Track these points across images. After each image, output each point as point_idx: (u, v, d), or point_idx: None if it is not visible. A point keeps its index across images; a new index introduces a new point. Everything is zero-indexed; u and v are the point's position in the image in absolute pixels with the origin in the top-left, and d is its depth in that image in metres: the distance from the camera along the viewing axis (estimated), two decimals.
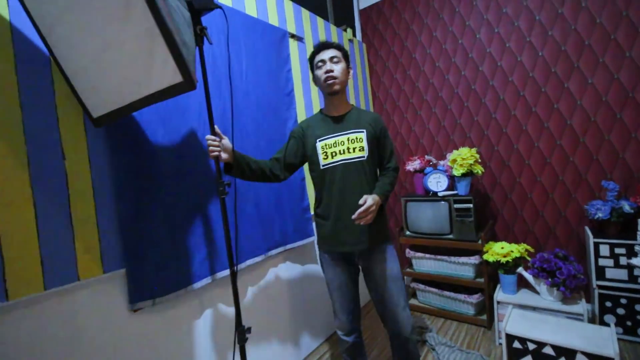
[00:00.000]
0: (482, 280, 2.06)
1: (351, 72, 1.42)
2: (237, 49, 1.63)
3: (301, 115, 2.00)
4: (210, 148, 1.14)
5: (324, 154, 1.36)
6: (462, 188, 2.14)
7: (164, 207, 1.27)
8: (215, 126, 1.16)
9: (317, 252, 1.54)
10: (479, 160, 2.12)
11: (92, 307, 1.12)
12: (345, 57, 1.39)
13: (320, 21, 2.30)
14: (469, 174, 2.10)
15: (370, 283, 1.42)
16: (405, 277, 2.46)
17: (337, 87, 1.34)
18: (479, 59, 2.35)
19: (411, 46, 2.67)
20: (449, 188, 2.23)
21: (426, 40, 2.59)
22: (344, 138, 1.36)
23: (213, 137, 1.15)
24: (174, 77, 0.73)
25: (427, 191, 2.31)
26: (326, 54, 1.34)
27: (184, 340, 1.36)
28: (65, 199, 1.07)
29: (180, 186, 1.33)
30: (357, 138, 1.35)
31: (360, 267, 1.46)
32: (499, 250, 1.88)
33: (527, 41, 2.14)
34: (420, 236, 2.28)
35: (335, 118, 1.41)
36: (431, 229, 2.23)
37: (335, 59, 1.34)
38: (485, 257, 1.94)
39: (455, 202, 2.12)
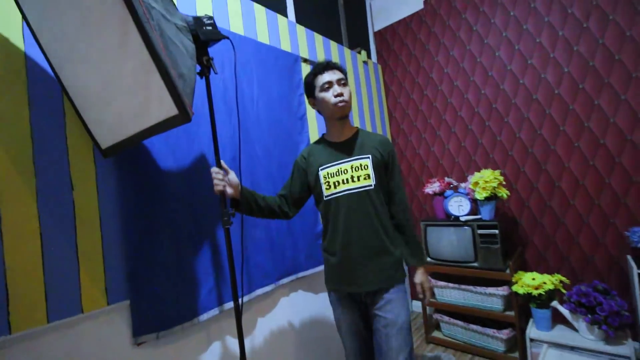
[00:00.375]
0: (512, 313, 1.88)
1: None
2: (248, 75, 1.64)
3: (314, 138, 1.97)
4: (215, 182, 1.11)
5: (327, 183, 1.26)
6: (486, 212, 2.01)
7: (170, 236, 1.25)
8: (222, 161, 1.14)
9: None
10: (504, 183, 2.00)
11: (96, 340, 1.09)
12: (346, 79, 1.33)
13: (333, 45, 2.31)
14: (492, 197, 1.97)
15: (376, 331, 1.25)
16: (427, 308, 2.32)
17: (347, 110, 1.27)
18: (500, 77, 2.26)
19: (427, 66, 2.62)
20: (471, 212, 2.11)
21: (443, 59, 2.53)
22: (347, 166, 1.24)
23: (217, 170, 1.12)
24: (169, 110, 0.72)
25: (448, 215, 2.19)
26: (333, 76, 1.24)
27: None
28: (72, 229, 1.07)
29: (188, 214, 1.31)
30: (361, 165, 1.23)
31: (368, 311, 1.30)
32: (530, 282, 1.72)
33: (551, 57, 2.04)
34: (443, 263, 2.15)
35: (338, 144, 1.30)
36: (454, 256, 2.09)
37: (342, 82, 1.26)
38: (514, 288, 1.78)
39: (479, 227, 1.99)
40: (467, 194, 2.13)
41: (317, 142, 1.39)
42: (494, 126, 2.30)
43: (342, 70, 1.29)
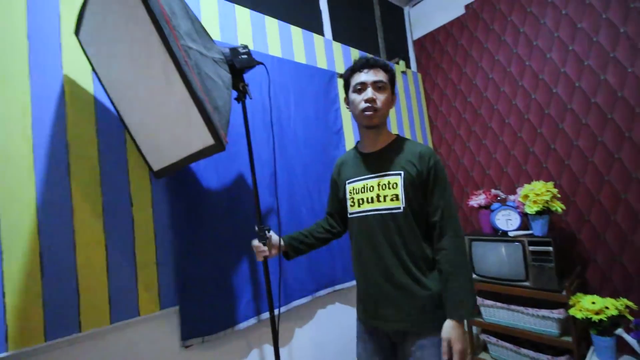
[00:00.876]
0: (569, 339, 1.71)
1: (395, 100, 1.15)
2: (285, 94, 1.72)
3: None
4: (257, 255, 1.14)
5: (351, 199, 1.12)
6: (538, 227, 1.86)
7: (214, 249, 1.35)
8: (262, 226, 1.14)
9: None
10: (558, 196, 1.84)
11: (150, 341, 1.22)
12: (392, 81, 1.11)
13: None
14: (545, 211, 1.82)
15: None
16: (473, 327, 2.19)
17: (376, 120, 1.07)
18: (552, 80, 2.09)
19: (470, 72, 2.52)
20: (521, 227, 1.96)
21: (487, 64, 2.42)
22: (373, 182, 1.07)
23: (257, 245, 1.13)
24: (207, 140, 0.80)
25: (495, 230, 2.07)
26: (369, 76, 1.05)
27: None
28: (131, 241, 1.22)
29: (230, 228, 1.41)
30: (389, 183, 1.04)
31: (396, 351, 1.11)
32: (589, 306, 1.55)
33: (611, 57, 1.85)
34: (490, 281, 2.02)
35: (368, 155, 1.13)
36: (502, 274, 1.96)
37: (379, 85, 1.06)
38: (571, 312, 1.62)
39: (530, 243, 1.84)
40: (517, 207, 1.99)
41: (348, 153, 1.26)
42: (547, 133, 2.13)
43: (386, 68, 1.09)
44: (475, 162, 2.52)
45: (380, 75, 1.07)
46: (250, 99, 1.13)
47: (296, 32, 1.88)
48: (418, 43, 2.87)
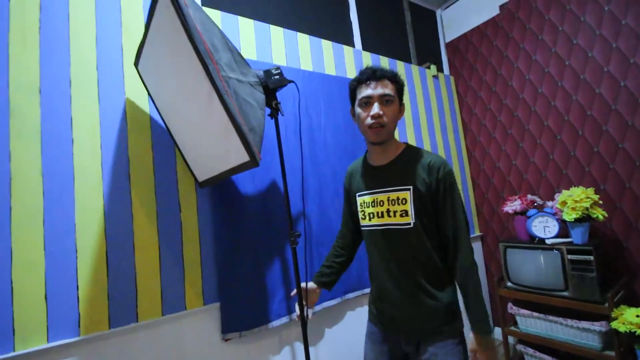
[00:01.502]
0: (612, 353, 1.62)
1: (403, 110, 1.09)
2: (316, 105, 1.82)
3: None
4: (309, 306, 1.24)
5: (362, 212, 1.11)
6: (578, 235, 1.78)
7: (250, 251, 1.48)
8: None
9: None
10: (600, 202, 1.75)
11: (195, 332, 1.36)
12: (400, 92, 1.05)
13: (399, 64, 2.36)
14: (585, 218, 1.75)
15: None
16: (509, 337, 2.14)
17: (383, 137, 1.02)
18: (595, 80, 1.99)
19: (506, 73, 2.45)
20: (560, 234, 1.89)
21: (524, 65, 2.34)
22: (383, 197, 1.04)
23: (300, 313, 1.23)
24: (243, 156, 0.92)
25: (532, 237, 2.00)
26: (376, 90, 0.99)
27: None
28: (180, 243, 1.37)
29: (264, 231, 1.53)
30: (399, 199, 1.01)
31: (407, 356, 1.10)
32: (634, 319, 1.47)
33: None
34: (526, 290, 1.96)
35: (376, 169, 1.09)
36: (538, 283, 1.90)
37: (387, 99, 1.00)
38: (613, 325, 1.54)
39: (570, 252, 1.77)
40: (555, 214, 1.92)
41: (360, 159, 1.22)
42: (590, 136, 2.03)
43: (394, 79, 1.03)
44: (512, 166, 2.45)
45: (387, 88, 1.00)
46: (282, 115, 1.23)
47: (327, 45, 1.97)
48: (451, 46, 2.84)
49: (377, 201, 1.06)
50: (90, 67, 1.26)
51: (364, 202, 1.11)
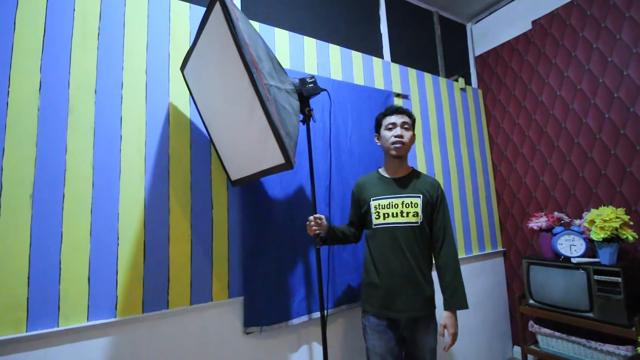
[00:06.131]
0: None
1: (415, 139, 1.49)
2: (344, 114, 1.88)
3: None
4: (313, 228, 1.32)
5: (377, 213, 1.39)
6: (606, 256, 1.74)
7: (275, 250, 1.54)
8: (323, 217, 1.36)
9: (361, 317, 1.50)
10: (630, 223, 1.71)
11: (219, 323, 1.43)
12: (413, 125, 1.45)
13: (427, 76, 2.39)
14: (614, 239, 1.70)
15: (408, 353, 1.39)
16: (528, 355, 2.09)
17: (402, 152, 1.40)
18: (629, 98, 1.95)
19: (536, 89, 2.43)
20: (587, 254, 1.85)
21: (555, 81, 2.32)
22: (398, 201, 1.37)
23: (314, 217, 1.33)
24: (279, 159, 0.98)
25: (557, 255, 1.97)
26: (399, 119, 1.40)
27: None
28: (210, 238, 1.46)
29: (289, 232, 1.59)
30: (412, 203, 1.36)
31: (404, 337, 1.40)
32: None
33: None
34: (549, 308, 1.92)
35: (393, 180, 1.43)
36: (562, 302, 1.86)
37: (406, 126, 1.40)
38: None
39: (596, 272, 1.73)
40: (582, 233, 1.88)
41: (369, 175, 1.54)
42: (622, 155, 1.98)
43: (409, 115, 1.44)
44: (539, 182, 2.41)
45: (406, 119, 1.41)
46: (314, 122, 1.29)
47: (356, 56, 2.04)
48: (480, 59, 2.84)
49: (392, 204, 1.39)
50: (140, 72, 1.38)
51: (379, 205, 1.40)
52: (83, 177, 1.24)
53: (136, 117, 1.35)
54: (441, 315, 1.36)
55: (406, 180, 1.42)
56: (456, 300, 1.33)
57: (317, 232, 1.34)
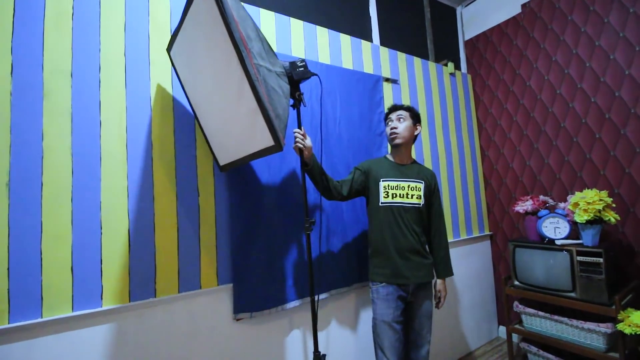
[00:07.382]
0: (617, 355, 1.63)
1: (419, 129, 1.63)
2: (332, 99, 1.85)
3: None
4: (297, 139, 1.30)
5: (385, 192, 1.56)
6: (589, 237, 1.78)
7: (264, 237, 1.53)
8: (302, 127, 1.33)
9: (371, 287, 1.59)
10: (613, 205, 1.75)
11: (209, 310, 1.42)
12: (413, 116, 1.60)
13: (417, 60, 2.37)
14: (597, 221, 1.74)
15: (412, 315, 1.57)
16: (512, 334, 2.16)
17: (398, 141, 1.58)
18: (615, 83, 1.97)
19: (525, 73, 2.44)
20: (570, 236, 1.89)
21: (544, 65, 2.32)
22: (404, 184, 1.57)
23: (299, 130, 1.30)
24: (268, 141, 0.96)
25: (541, 237, 2.01)
26: (394, 114, 1.60)
27: (273, 353, 1.56)
28: (197, 225, 1.43)
29: (279, 218, 1.58)
30: (416, 187, 1.58)
31: (408, 303, 1.57)
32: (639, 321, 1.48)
33: None
34: (533, 289, 1.97)
35: (400, 166, 1.62)
36: (547, 283, 1.91)
37: (400, 117, 1.58)
38: (619, 327, 1.55)
39: (579, 253, 1.78)
40: (566, 216, 1.92)
41: (377, 159, 1.69)
42: (607, 139, 2.01)
43: (406, 108, 1.62)
44: (526, 167, 2.44)
45: (401, 113, 1.59)
46: (305, 106, 1.26)
47: (345, 39, 1.99)
48: (469, 43, 2.82)
49: (400, 186, 1.57)
50: (118, 53, 1.32)
51: (388, 186, 1.57)
52: (62, 164, 1.19)
53: (116, 101, 1.30)
54: (434, 283, 1.65)
55: (412, 168, 1.63)
56: (448, 270, 1.64)
57: (300, 147, 1.30)
